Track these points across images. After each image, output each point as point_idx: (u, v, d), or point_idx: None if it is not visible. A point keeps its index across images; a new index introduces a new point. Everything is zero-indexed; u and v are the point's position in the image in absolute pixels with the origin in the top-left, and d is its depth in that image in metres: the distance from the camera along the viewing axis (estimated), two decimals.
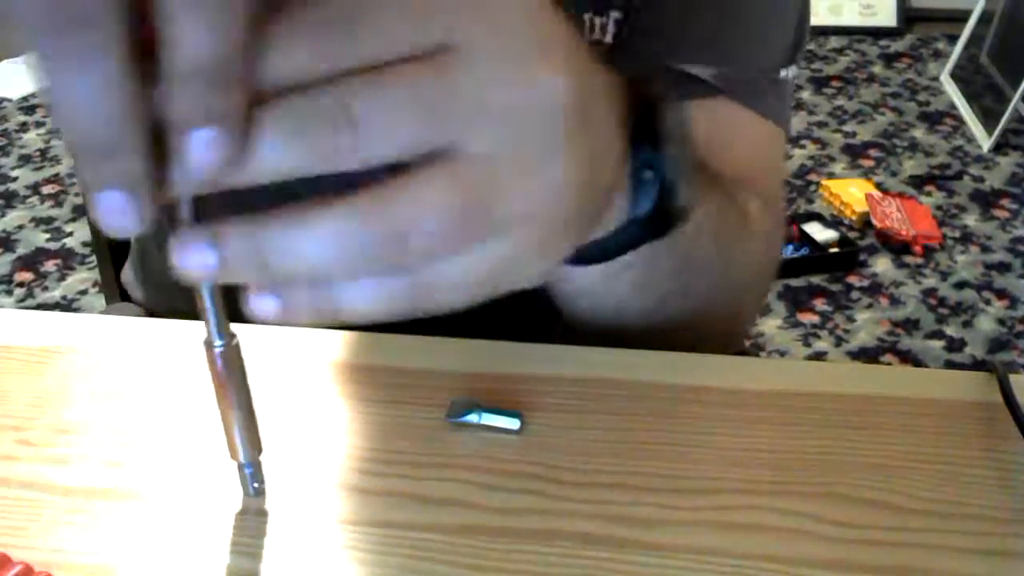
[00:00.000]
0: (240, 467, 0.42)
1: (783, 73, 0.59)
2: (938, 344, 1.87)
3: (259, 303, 0.31)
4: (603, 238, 0.42)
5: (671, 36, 0.57)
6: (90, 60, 0.26)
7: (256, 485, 0.42)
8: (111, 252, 0.91)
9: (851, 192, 2.25)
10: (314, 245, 0.29)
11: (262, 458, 0.42)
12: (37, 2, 0.25)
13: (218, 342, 0.38)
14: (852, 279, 2.05)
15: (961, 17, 2.80)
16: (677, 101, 0.51)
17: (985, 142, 2.47)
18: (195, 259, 0.30)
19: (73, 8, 0.26)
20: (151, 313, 0.76)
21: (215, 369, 0.39)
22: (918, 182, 2.36)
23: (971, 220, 2.22)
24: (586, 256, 0.43)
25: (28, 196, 2.32)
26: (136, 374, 0.50)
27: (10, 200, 2.31)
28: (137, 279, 0.79)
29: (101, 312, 0.84)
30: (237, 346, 0.39)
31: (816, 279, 2.04)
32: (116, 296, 0.87)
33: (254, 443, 0.41)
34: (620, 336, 0.51)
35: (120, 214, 0.28)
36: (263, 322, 0.31)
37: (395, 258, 0.30)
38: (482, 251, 0.31)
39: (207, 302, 0.37)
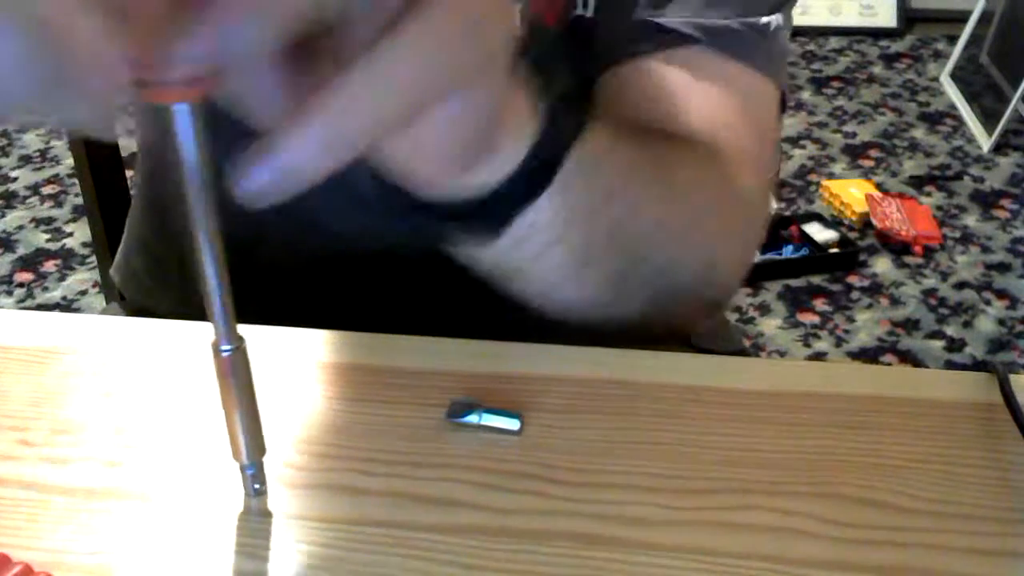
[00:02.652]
0: (242, 468, 0.42)
1: (766, 20, 0.57)
2: (938, 344, 1.87)
3: (253, 177, 0.31)
4: (493, 190, 0.42)
5: None
6: None
7: (257, 487, 0.42)
8: (111, 252, 0.91)
9: (851, 192, 2.25)
10: (381, 91, 0.31)
11: (263, 459, 0.42)
12: None
13: (226, 346, 0.38)
14: (852, 279, 2.05)
15: (961, 17, 2.80)
16: (652, 51, 0.55)
17: (985, 142, 2.47)
18: (263, 176, 0.31)
19: None
20: (147, 312, 0.76)
21: (222, 373, 0.39)
22: (918, 182, 2.36)
23: (971, 220, 2.22)
24: (490, 218, 0.43)
25: (28, 196, 2.32)
26: (136, 374, 0.50)
27: (10, 200, 2.31)
28: (131, 282, 0.78)
29: (100, 312, 0.84)
30: (244, 350, 0.39)
31: (816, 279, 2.04)
32: (116, 296, 0.87)
33: (258, 445, 0.41)
34: (595, 330, 0.51)
35: None
36: (257, 198, 0.31)
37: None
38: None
39: (216, 306, 0.37)
